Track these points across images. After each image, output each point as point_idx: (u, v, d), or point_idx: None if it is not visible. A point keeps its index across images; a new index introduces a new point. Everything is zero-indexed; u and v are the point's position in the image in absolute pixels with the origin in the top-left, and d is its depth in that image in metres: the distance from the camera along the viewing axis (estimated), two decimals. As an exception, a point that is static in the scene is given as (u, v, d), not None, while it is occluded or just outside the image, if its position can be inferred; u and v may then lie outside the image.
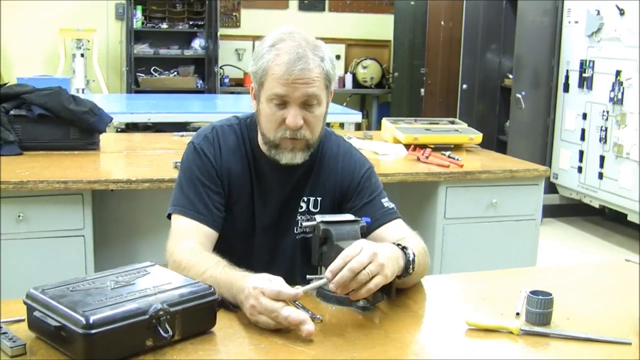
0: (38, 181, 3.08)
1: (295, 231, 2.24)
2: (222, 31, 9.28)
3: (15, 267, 3.07)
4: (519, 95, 6.94)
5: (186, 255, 1.96)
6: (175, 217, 2.13)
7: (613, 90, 6.13)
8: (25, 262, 3.11)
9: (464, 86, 7.76)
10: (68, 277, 1.69)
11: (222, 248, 2.07)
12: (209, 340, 1.63)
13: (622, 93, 6.03)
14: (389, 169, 3.67)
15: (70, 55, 8.76)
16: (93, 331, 1.45)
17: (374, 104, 10.23)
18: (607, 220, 6.98)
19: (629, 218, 6.17)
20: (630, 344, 1.69)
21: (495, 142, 7.50)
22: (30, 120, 3.65)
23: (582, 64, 6.55)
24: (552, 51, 6.90)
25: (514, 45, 7.06)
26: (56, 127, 3.71)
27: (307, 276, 1.93)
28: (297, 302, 1.80)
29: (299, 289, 1.70)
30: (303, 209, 2.23)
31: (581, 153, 6.61)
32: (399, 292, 1.88)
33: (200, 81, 9.29)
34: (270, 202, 2.22)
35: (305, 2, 9.74)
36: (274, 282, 1.69)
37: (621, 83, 6.04)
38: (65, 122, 3.71)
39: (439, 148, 4.04)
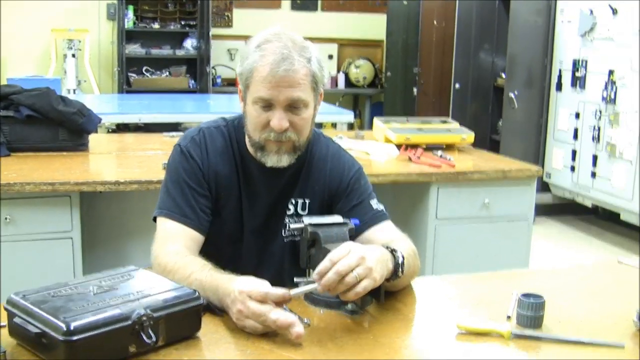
0: (25, 183, 3.05)
1: (283, 234, 2.21)
2: (214, 31, 9.25)
3: (2, 270, 3.03)
4: (512, 95, 6.93)
5: (171, 259, 1.92)
6: (161, 220, 2.10)
7: (606, 89, 6.12)
8: (12, 264, 3.07)
9: (457, 86, 7.75)
10: (56, 280, 1.67)
11: (209, 252, 2.04)
12: (194, 346, 1.60)
13: (615, 92, 6.02)
14: (381, 169, 3.64)
15: (62, 56, 8.72)
16: (74, 338, 1.42)
17: (366, 104, 10.22)
18: (600, 219, 6.97)
19: (622, 217, 6.17)
20: (623, 347, 1.67)
21: (489, 141, 7.49)
22: (18, 121, 3.62)
23: (575, 64, 6.54)
24: (545, 50, 6.89)
25: (507, 44, 7.05)
26: (45, 128, 3.68)
27: (295, 279, 1.90)
28: (284, 306, 1.77)
29: (286, 291, 1.67)
30: (291, 212, 2.21)
31: (574, 152, 6.60)
32: (388, 295, 1.86)
33: (193, 81, 9.26)
34: (259, 204, 2.19)
35: (298, 1, 9.72)
36: (261, 285, 1.66)
37: (614, 82, 6.03)
38: (53, 123, 3.67)
39: (431, 148, 4.02)
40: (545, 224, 6.78)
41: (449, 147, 4.19)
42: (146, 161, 3.61)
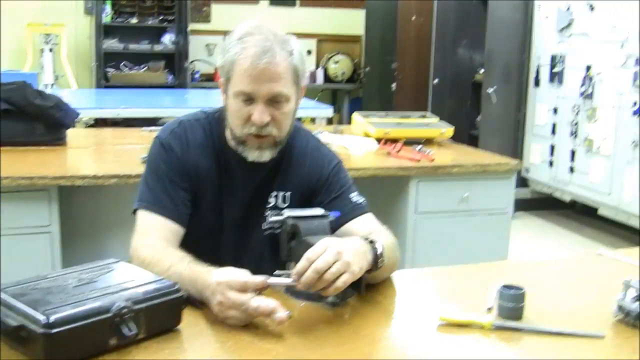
0: (2, 177, 3.03)
1: (263, 227, 2.20)
2: (192, 26, 9.21)
3: (-21, 265, 3.01)
4: (490, 90, 6.96)
5: (150, 252, 1.91)
6: (141, 213, 2.09)
7: (583, 85, 6.15)
8: (-10, 259, 3.05)
9: (435, 81, 7.77)
10: (34, 275, 1.65)
11: (189, 244, 2.03)
12: (174, 339, 1.59)
13: (593, 88, 6.06)
14: (360, 163, 3.64)
15: (39, 51, 8.65)
16: (53, 330, 1.41)
17: (345, 99, 10.21)
18: (578, 214, 7.01)
19: (599, 212, 6.20)
20: (603, 337, 1.68)
21: (467, 137, 7.50)
22: (-6, 115, 3.59)
23: (553, 59, 6.57)
24: (523, 46, 6.92)
25: (485, 40, 7.07)
26: (21, 122, 3.65)
27: (276, 272, 1.89)
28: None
29: (265, 278, 1.67)
30: (272, 204, 2.20)
31: (552, 147, 6.64)
32: (368, 288, 1.85)
33: (171, 76, 9.22)
34: (239, 197, 2.18)
35: (276, -4, 9.71)
36: (239, 274, 1.66)
37: (591, 78, 6.07)
38: (30, 117, 3.65)
39: (410, 142, 4.03)
40: (523, 219, 6.81)
41: (428, 142, 4.19)
42: (124, 155, 3.60)
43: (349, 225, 2.12)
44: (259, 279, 1.65)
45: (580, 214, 6.96)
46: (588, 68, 6.10)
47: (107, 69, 8.96)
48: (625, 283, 1.76)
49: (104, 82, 8.81)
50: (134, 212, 2.11)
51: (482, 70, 7.39)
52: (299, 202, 2.20)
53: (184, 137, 2.15)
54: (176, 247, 2.01)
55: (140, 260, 1.89)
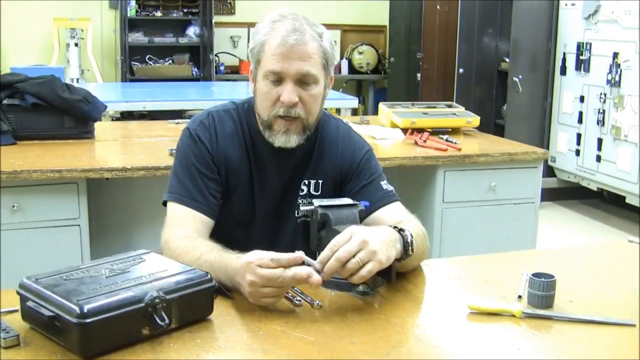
0: (32, 170, 3.06)
1: (296, 215, 2.21)
2: (216, 18, 9.22)
3: (10, 257, 3.04)
4: (516, 79, 6.92)
5: (180, 243, 1.93)
6: (171, 205, 2.10)
7: (610, 72, 6.10)
8: (20, 252, 3.08)
9: (461, 70, 7.72)
10: (64, 267, 1.66)
11: (221, 235, 2.04)
12: (206, 328, 1.61)
13: (620, 75, 6.01)
14: (387, 153, 3.64)
15: (65, 45, 8.70)
16: (88, 320, 1.42)
17: (370, 90, 10.19)
18: (605, 203, 6.96)
19: (627, 200, 6.16)
20: (634, 325, 1.67)
21: (493, 126, 7.47)
22: (23, 109, 3.62)
23: (579, 47, 6.52)
24: (549, 34, 6.86)
25: (511, 28, 7.02)
26: (50, 116, 3.68)
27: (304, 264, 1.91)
28: (295, 289, 1.78)
29: (297, 254, 1.67)
30: (304, 192, 2.21)
31: (579, 136, 6.59)
32: (398, 276, 1.86)
33: (196, 69, 9.24)
34: (271, 186, 2.19)
35: (301, -13, 9.69)
36: (267, 254, 1.66)
37: (619, 65, 6.02)
38: (59, 110, 3.67)
39: (436, 132, 4.01)
40: (550, 209, 6.77)
41: (454, 131, 4.18)
42: (152, 147, 3.61)
43: (379, 213, 2.12)
44: (291, 255, 1.66)
45: (608, 203, 6.91)
46: (615, 55, 6.05)
47: (132, 63, 9.00)
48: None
49: (129, 75, 8.84)
50: (164, 204, 2.13)
51: (508, 59, 7.35)
52: (331, 189, 2.20)
53: (213, 128, 2.16)
54: (206, 238, 2.02)
55: (171, 252, 1.91)
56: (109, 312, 1.45)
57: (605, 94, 6.19)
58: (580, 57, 6.50)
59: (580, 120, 6.55)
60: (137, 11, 8.98)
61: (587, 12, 6.36)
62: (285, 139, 2.09)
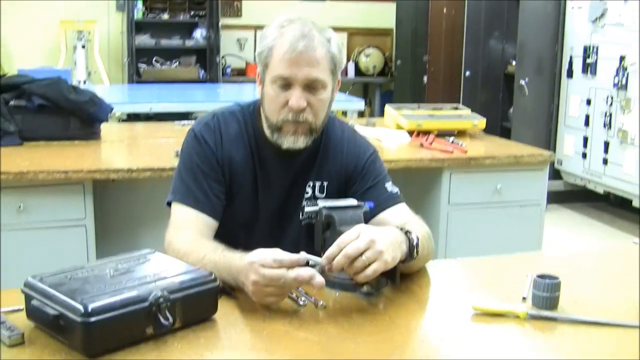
0: (38, 171, 3.06)
1: (300, 217, 2.21)
2: (223, 21, 9.25)
3: (16, 257, 3.05)
4: (523, 82, 6.91)
5: (184, 244, 1.93)
6: (175, 206, 2.10)
7: (617, 75, 6.09)
8: (26, 252, 3.09)
9: (467, 73, 7.72)
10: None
11: (224, 237, 2.04)
12: (210, 328, 1.61)
13: (627, 78, 6.00)
14: (393, 155, 3.64)
15: (72, 47, 8.73)
16: (92, 319, 1.42)
17: (376, 93, 10.19)
18: (611, 206, 6.94)
19: (633, 204, 6.14)
20: (638, 327, 1.66)
21: (499, 129, 7.46)
22: (30, 110, 3.63)
23: (586, 50, 6.51)
24: (556, 37, 6.86)
25: (517, 31, 7.02)
26: (56, 117, 3.68)
27: (309, 262, 1.90)
28: (300, 289, 1.78)
29: (299, 255, 1.67)
30: (309, 194, 2.21)
31: (585, 139, 6.58)
32: (403, 277, 1.85)
33: (202, 71, 9.26)
34: (275, 188, 2.19)
35: (307, -10, 9.70)
36: (272, 253, 1.66)
37: (625, 68, 6.01)
38: (65, 112, 3.68)
39: (442, 134, 4.01)
40: (556, 211, 6.76)
41: (460, 134, 4.17)
42: (158, 149, 3.62)
43: (384, 215, 2.12)
44: (294, 256, 1.66)
45: (615, 206, 6.89)
46: (622, 58, 6.04)
47: (139, 65, 9.02)
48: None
49: (136, 77, 8.87)
50: (168, 204, 2.13)
51: (514, 62, 7.34)
52: (336, 191, 2.20)
53: (217, 130, 2.16)
54: (210, 239, 2.02)
55: (175, 253, 1.91)
56: (113, 311, 1.46)
57: (612, 97, 6.19)
58: (587, 60, 6.49)
59: (586, 123, 6.54)
60: (144, 13, 9.00)
61: (593, 15, 6.35)
62: (293, 140, 2.08)
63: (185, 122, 4.41)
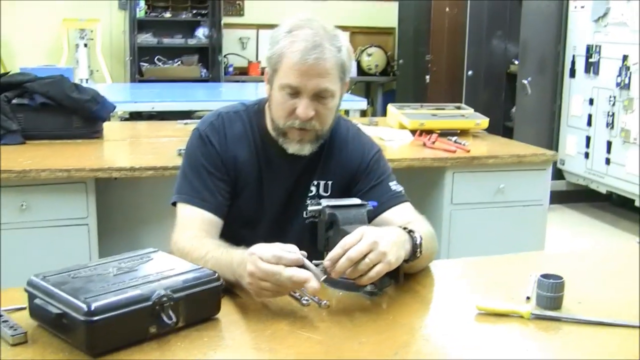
0: (41, 170, 3.06)
1: (304, 215, 2.21)
2: (225, 20, 9.24)
3: (18, 256, 3.04)
4: (525, 82, 6.90)
5: (189, 242, 1.94)
6: (180, 206, 2.10)
7: (620, 75, 6.08)
8: (28, 251, 3.09)
9: (469, 73, 7.71)
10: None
11: (228, 235, 2.04)
12: (213, 327, 1.61)
13: (629, 78, 5.99)
14: (395, 154, 3.63)
15: (74, 46, 8.73)
16: (95, 318, 1.42)
17: (378, 92, 10.18)
18: (614, 206, 6.93)
19: (636, 204, 6.13)
20: (639, 327, 1.66)
21: (502, 128, 7.45)
22: (32, 109, 3.63)
23: (589, 49, 6.50)
24: (558, 37, 6.86)
25: (520, 31, 7.01)
26: (59, 116, 3.69)
27: (313, 262, 1.90)
28: (303, 289, 1.77)
29: (300, 257, 1.66)
30: (313, 193, 2.21)
31: (588, 139, 6.57)
32: (406, 277, 1.85)
33: (205, 70, 9.25)
34: (280, 187, 2.19)
35: (310, -11, 9.70)
36: (273, 248, 1.65)
37: (628, 68, 6.00)
38: (67, 110, 3.68)
39: (445, 134, 4.01)
40: (558, 212, 6.75)
41: (463, 133, 4.17)
42: (160, 148, 3.61)
43: (387, 214, 2.12)
44: (294, 255, 1.64)
45: (617, 207, 6.88)
46: (625, 58, 6.03)
47: (141, 64, 9.02)
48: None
49: (138, 76, 8.87)
50: (173, 204, 2.12)
51: (516, 62, 7.33)
52: (340, 190, 2.20)
53: (222, 130, 2.16)
54: (216, 238, 2.02)
55: (179, 252, 1.91)
56: (116, 310, 1.45)
57: (614, 97, 6.18)
58: (590, 60, 6.49)
59: (589, 123, 6.53)
60: (146, 12, 9.00)
61: (596, 14, 6.35)
62: (299, 147, 2.08)
63: (188, 121, 4.40)
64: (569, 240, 5.92)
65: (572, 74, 6.75)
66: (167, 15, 9.11)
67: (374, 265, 1.66)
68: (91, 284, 1.54)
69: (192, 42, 9.25)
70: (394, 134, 4.01)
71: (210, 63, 9.21)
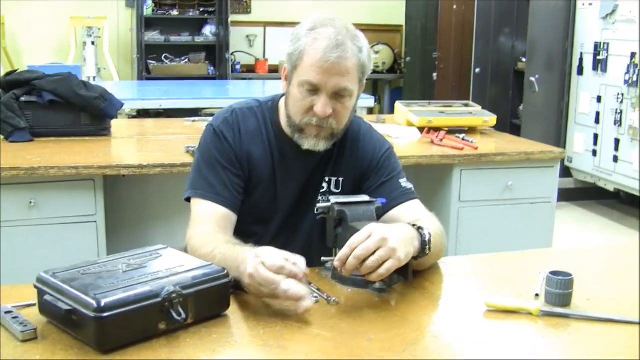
0: (49, 167, 3.07)
1: (315, 211, 2.20)
2: (232, 17, 9.23)
3: (27, 253, 3.06)
4: (533, 79, 6.89)
5: (199, 239, 1.94)
6: (195, 201, 2.10)
7: (628, 72, 6.07)
8: (37, 248, 3.10)
9: (477, 70, 7.69)
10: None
11: (239, 231, 2.05)
12: (222, 323, 1.61)
13: (638, 75, 5.97)
14: (403, 152, 3.62)
15: (82, 44, 8.74)
16: (104, 314, 1.43)
17: (386, 89, 10.17)
18: (622, 203, 6.92)
19: (644, 201, 6.12)
20: (639, 323, 1.66)
21: (509, 126, 7.44)
22: (40, 106, 3.64)
23: (597, 47, 6.48)
24: (566, 34, 6.84)
25: (527, 28, 7.00)
26: (67, 113, 3.70)
27: (322, 258, 1.91)
28: (312, 285, 1.78)
29: (305, 273, 1.65)
30: (325, 189, 2.21)
31: (596, 136, 6.55)
32: (415, 274, 1.85)
33: (212, 68, 9.26)
34: (293, 183, 2.19)
35: (317, -13, 9.69)
36: (278, 256, 1.64)
37: (636, 65, 5.98)
38: (75, 108, 3.69)
39: (453, 131, 4.00)
40: (566, 209, 6.74)
41: (471, 130, 4.17)
42: (168, 145, 3.62)
43: (397, 210, 2.12)
44: (296, 269, 1.63)
45: (625, 204, 6.87)
46: (633, 55, 6.01)
47: (148, 61, 9.02)
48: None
49: (145, 74, 8.87)
50: (188, 199, 2.12)
51: (524, 59, 7.32)
52: (352, 186, 2.21)
53: (236, 126, 2.16)
54: (230, 233, 2.03)
55: (191, 248, 1.93)
56: (126, 306, 1.46)
57: (622, 94, 6.16)
58: (598, 57, 6.47)
59: (597, 121, 6.52)
60: (153, 10, 9.01)
61: (604, 11, 6.33)
62: (314, 143, 2.08)
63: (196, 118, 4.41)
64: (576, 237, 5.91)
65: (580, 71, 6.73)
66: (175, 12, 9.12)
67: (384, 262, 1.66)
68: (101, 280, 1.54)
69: (199, 39, 9.25)
70: (402, 131, 4.01)
71: (218, 61, 9.21)
